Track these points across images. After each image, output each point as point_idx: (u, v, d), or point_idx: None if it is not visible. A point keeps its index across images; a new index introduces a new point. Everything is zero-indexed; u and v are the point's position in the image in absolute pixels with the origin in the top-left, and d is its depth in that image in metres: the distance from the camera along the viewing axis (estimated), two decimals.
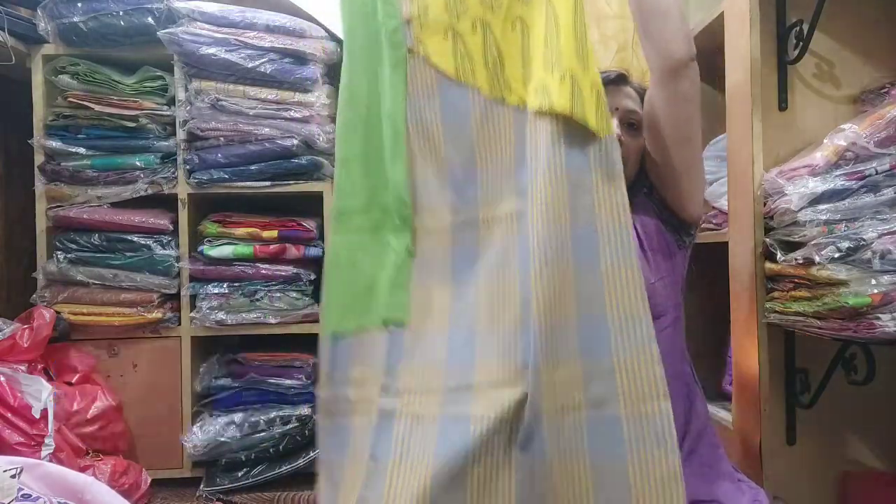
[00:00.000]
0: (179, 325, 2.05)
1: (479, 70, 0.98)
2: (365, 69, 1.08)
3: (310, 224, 2.06)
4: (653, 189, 1.14)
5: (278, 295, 2.04)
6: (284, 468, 1.98)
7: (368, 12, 1.05)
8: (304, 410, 2.02)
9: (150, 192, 2.03)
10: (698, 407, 1.13)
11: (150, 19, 1.99)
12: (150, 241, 2.02)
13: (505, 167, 0.98)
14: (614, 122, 1.10)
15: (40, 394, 1.67)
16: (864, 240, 1.13)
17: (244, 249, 2.03)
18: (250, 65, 1.98)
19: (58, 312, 1.92)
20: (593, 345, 0.89)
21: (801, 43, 1.34)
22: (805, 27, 1.33)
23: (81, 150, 2.02)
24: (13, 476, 1.04)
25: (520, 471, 0.85)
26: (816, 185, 1.21)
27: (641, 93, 1.16)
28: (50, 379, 1.81)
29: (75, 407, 1.82)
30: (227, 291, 2.03)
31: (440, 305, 0.98)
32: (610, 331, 0.89)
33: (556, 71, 0.91)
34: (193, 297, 2.04)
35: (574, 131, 0.91)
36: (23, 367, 1.74)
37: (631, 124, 1.13)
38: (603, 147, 0.92)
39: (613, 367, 0.88)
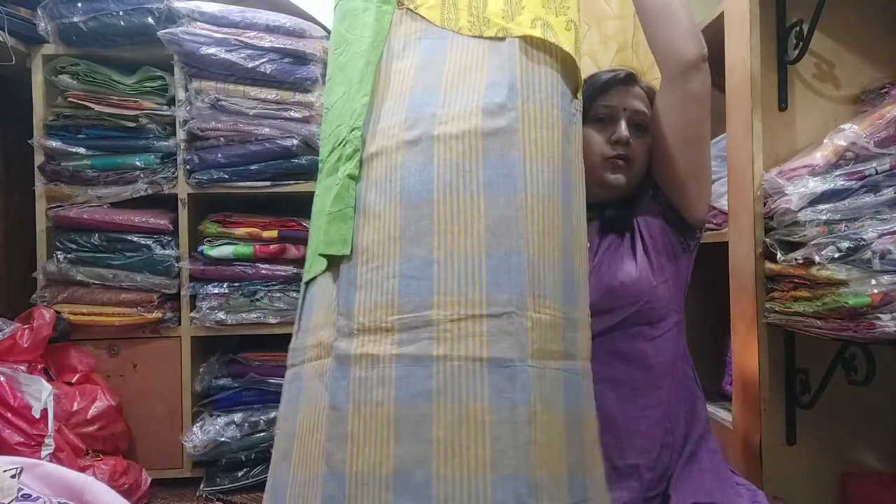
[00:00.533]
0: (179, 325, 2.05)
1: (463, 15, 0.98)
2: (349, 19, 1.06)
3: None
4: (658, 191, 1.12)
5: (278, 295, 2.05)
6: None
7: None
8: None
9: (150, 192, 2.04)
10: (699, 411, 1.13)
11: (150, 19, 2.00)
12: (150, 241, 2.02)
13: (469, 89, 0.91)
14: (622, 124, 1.10)
15: (40, 394, 1.67)
16: (864, 240, 1.13)
17: (244, 249, 2.03)
18: (250, 65, 1.98)
19: (58, 312, 1.92)
20: (569, 295, 0.86)
21: (801, 43, 1.34)
22: (805, 27, 1.33)
23: (81, 150, 2.02)
24: (13, 476, 1.04)
25: (494, 415, 0.77)
26: (816, 185, 1.21)
27: (649, 93, 1.15)
28: (50, 379, 1.81)
29: (75, 407, 1.83)
30: (227, 291, 2.03)
31: (388, 230, 0.87)
32: (576, 284, 0.88)
33: (562, 16, 0.92)
34: (193, 297, 2.05)
35: (567, 80, 0.92)
36: (23, 367, 1.74)
37: (638, 125, 1.12)
38: (577, 107, 0.95)
39: (578, 321, 0.86)
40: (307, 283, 0.96)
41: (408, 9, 1.01)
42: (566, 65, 0.92)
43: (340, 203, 0.91)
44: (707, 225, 1.69)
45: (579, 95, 0.97)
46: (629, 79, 1.15)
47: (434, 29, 0.98)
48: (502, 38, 0.92)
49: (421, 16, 0.99)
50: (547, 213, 0.84)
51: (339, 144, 0.96)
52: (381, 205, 0.88)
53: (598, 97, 1.12)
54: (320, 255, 0.92)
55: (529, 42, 0.90)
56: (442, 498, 0.76)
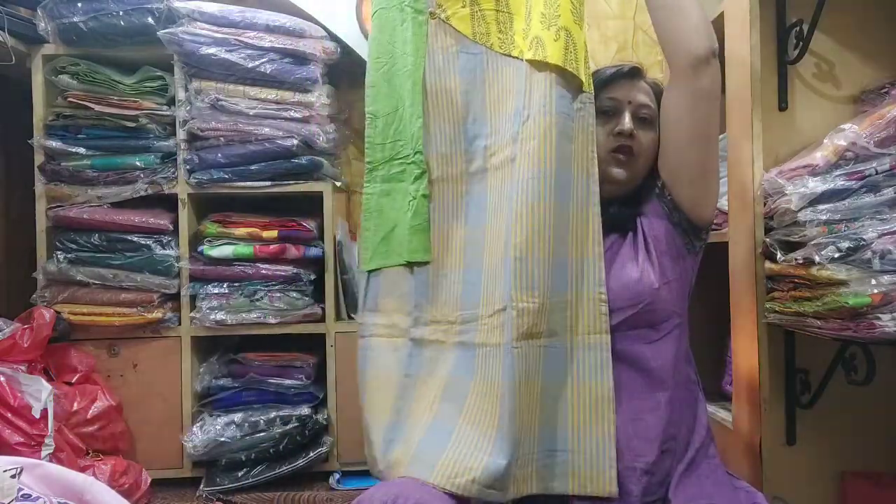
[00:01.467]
0: (179, 325, 2.05)
1: (493, 30, 1.10)
2: (389, 31, 1.18)
3: (310, 224, 2.06)
4: (664, 189, 1.11)
5: (278, 295, 2.04)
6: (284, 468, 1.98)
7: None
8: (304, 410, 2.02)
9: (150, 192, 2.03)
10: (701, 416, 1.11)
11: (150, 19, 1.99)
12: (150, 241, 2.02)
13: (507, 117, 1.07)
14: (626, 116, 1.10)
15: (40, 394, 1.67)
16: (864, 240, 1.13)
17: (244, 249, 2.03)
18: (250, 65, 1.98)
19: (58, 312, 1.92)
20: (557, 282, 0.99)
21: (801, 43, 1.34)
22: (805, 27, 1.33)
23: (81, 150, 2.02)
24: (13, 476, 1.04)
25: (502, 389, 0.97)
26: (816, 185, 1.21)
27: (655, 88, 1.14)
28: (50, 379, 1.81)
29: (75, 407, 1.83)
30: (227, 291, 2.03)
31: (456, 246, 1.12)
32: (568, 270, 1.00)
33: (553, 27, 1.01)
34: (193, 297, 2.05)
35: (565, 83, 1.01)
36: (23, 367, 1.74)
37: (643, 119, 1.11)
38: (584, 100, 1.03)
39: (566, 303, 1.00)
40: (370, 272, 1.19)
41: (440, 19, 1.13)
42: (558, 72, 1.00)
43: (419, 218, 1.13)
44: None
45: (586, 88, 1.03)
46: (634, 72, 1.14)
47: (468, 43, 1.12)
48: (522, 60, 1.05)
49: (453, 27, 1.12)
50: (534, 215, 0.98)
51: (400, 158, 1.17)
52: (449, 223, 1.13)
53: (603, 90, 1.11)
54: (407, 261, 1.14)
55: (531, 64, 1.02)
56: (455, 440, 0.99)
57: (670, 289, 1.07)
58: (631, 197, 1.14)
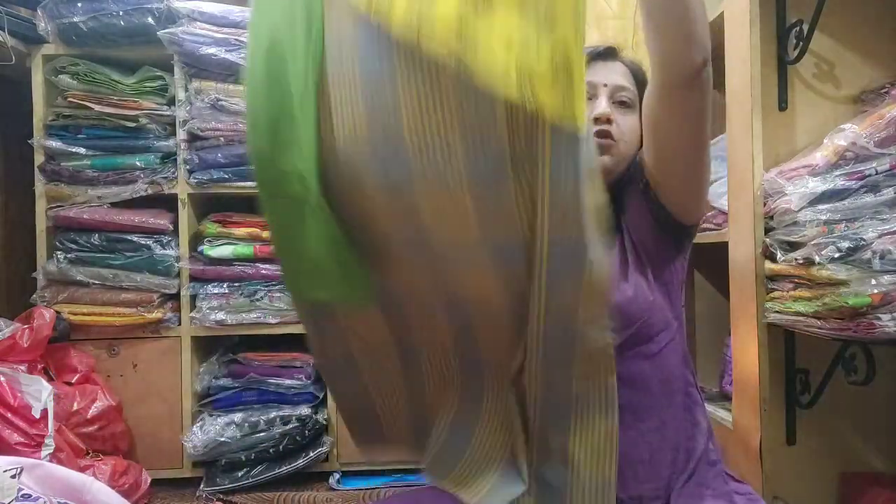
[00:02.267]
0: (179, 325, 2.05)
1: (398, 6, 0.69)
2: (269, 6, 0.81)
3: None
4: (648, 188, 1.00)
5: (278, 295, 2.05)
6: (284, 468, 1.98)
7: None
8: (304, 410, 2.02)
9: (150, 192, 2.03)
10: (700, 421, 1.06)
11: (150, 19, 2.00)
12: (150, 241, 2.02)
13: (451, 151, 0.71)
14: (602, 101, 1.00)
15: (40, 394, 1.67)
16: (864, 240, 1.13)
17: (244, 249, 2.03)
18: None
19: (58, 312, 1.92)
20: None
21: (801, 43, 1.34)
22: (805, 27, 1.33)
23: (81, 150, 2.02)
24: (13, 476, 1.04)
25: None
26: (816, 185, 1.21)
27: (632, 68, 1.05)
28: (50, 379, 1.81)
29: (75, 407, 1.83)
30: (227, 291, 2.03)
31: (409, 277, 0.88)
32: (574, 336, 0.85)
33: (546, 43, 0.67)
34: (193, 297, 2.05)
35: (578, 141, 0.71)
36: (23, 367, 1.74)
37: (622, 102, 1.02)
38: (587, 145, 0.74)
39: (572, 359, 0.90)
40: (313, 304, 1.04)
41: None
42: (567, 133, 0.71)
43: (341, 257, 0.90)
44: (707, 225, 1.69)
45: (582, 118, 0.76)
46: (609, 53, 1.04)
47: (363, 21, 0.71)
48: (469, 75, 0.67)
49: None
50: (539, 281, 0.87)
51: (300, 181, 0.80)
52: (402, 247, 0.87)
53: None
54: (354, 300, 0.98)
55: (527, 113, 0.69)
56: (473, 446, 0.95)
57: (664, 294, 1.02)
58: (613, 193, 1.04)
